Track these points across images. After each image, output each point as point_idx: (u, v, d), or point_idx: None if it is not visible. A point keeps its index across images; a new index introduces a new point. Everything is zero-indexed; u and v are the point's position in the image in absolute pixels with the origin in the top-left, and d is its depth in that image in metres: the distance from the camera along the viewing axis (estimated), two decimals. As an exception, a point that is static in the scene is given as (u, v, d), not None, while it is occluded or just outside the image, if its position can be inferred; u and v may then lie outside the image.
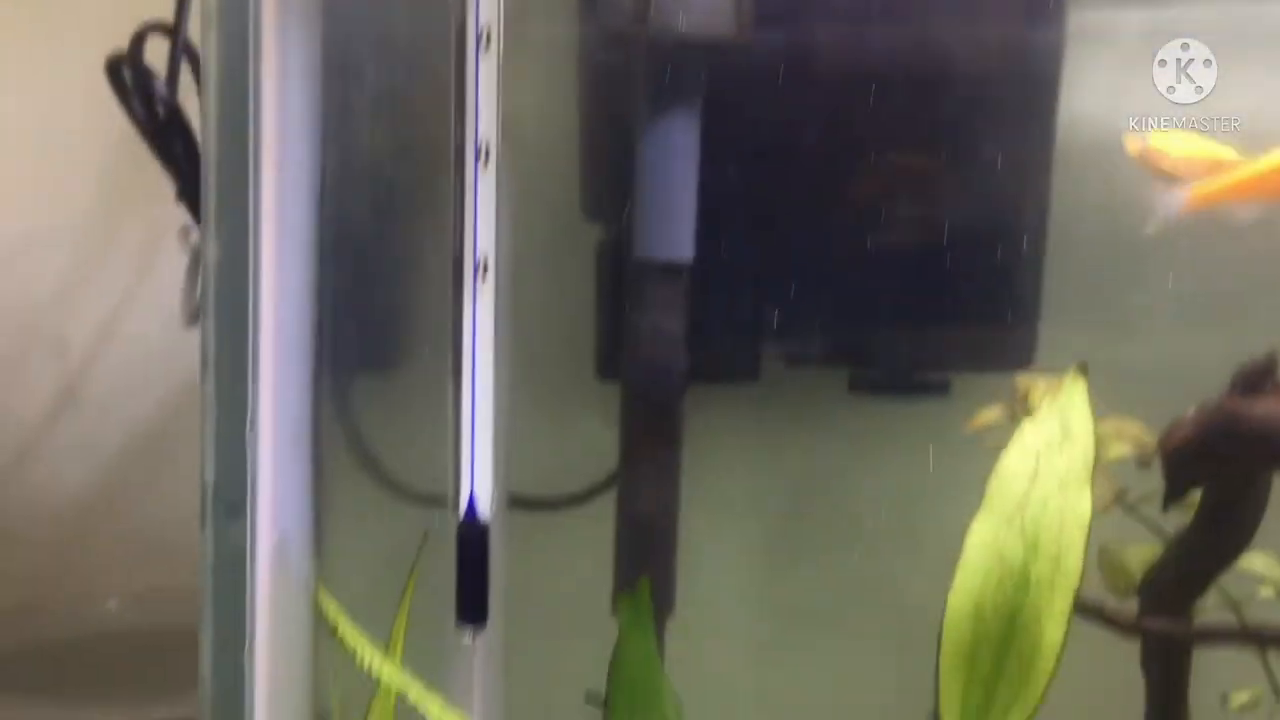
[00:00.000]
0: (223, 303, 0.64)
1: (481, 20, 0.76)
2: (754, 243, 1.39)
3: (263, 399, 0.64)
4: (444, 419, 0.97)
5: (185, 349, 1.07)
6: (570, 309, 1.43)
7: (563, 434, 1.43)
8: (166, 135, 1.54)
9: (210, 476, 0.65)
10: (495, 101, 0.79)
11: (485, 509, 0.73)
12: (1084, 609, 1.06)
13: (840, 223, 1.40)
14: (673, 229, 1.23)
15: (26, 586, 1.89)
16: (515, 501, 1.42)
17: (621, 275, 1.30)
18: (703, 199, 1.29)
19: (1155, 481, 1.21)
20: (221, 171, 0.67)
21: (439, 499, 1.06)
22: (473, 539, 0.73)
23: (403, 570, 0.94)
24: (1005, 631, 0.81)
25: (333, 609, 0.74)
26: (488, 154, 0.79)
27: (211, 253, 0.66)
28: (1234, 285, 1.38)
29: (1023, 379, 1.32)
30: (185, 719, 0.97)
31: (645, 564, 1.34)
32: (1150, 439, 1.23)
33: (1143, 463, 1.27)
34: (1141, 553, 1.22)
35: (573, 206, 1.42)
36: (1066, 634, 0.81)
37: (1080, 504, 0.83)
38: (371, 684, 0.78)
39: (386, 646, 0.84)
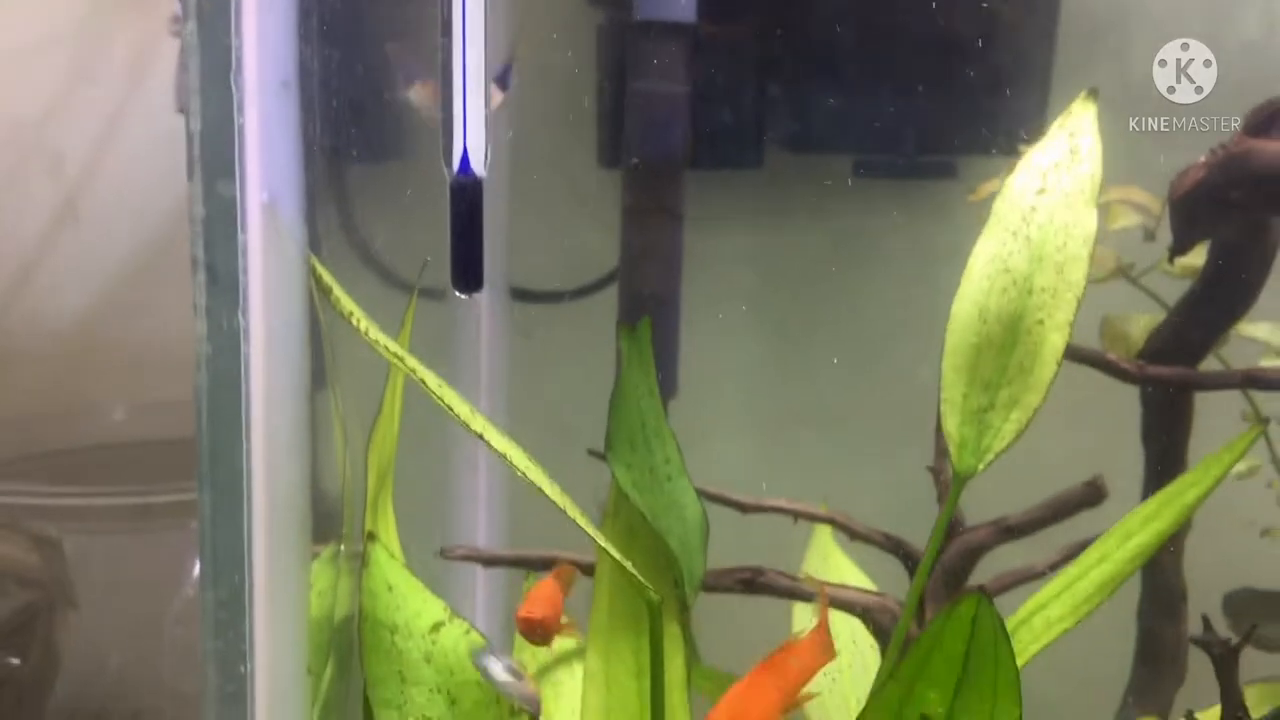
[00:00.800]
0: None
1: None
2: (758, 25, 1.36)
3: (246, 47, 0.61)
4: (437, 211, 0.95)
5: (182, 162, 1.05)
6: (573, 97, 1.40)
7: (567, 225, 1.42)
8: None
9: (196, 125, 0.64)
10: None
11: (479, 164, 0.71)
12: (1086, 357, 1.06)
13: (835, 16, 1.36)
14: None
15: (32, 398, 1.90)
16: (519, 294, 1.42)
17: (624, 51, 1.27)
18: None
19: (1160, 253, 1.20)
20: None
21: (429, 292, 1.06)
22: (466, 195, 0.71)
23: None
24: (1008, 336, 0.80)
25: (327, 276, 0.73)
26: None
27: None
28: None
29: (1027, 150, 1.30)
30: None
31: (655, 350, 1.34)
32: (1157, 206, 1.22)
33: (1148, 234, 1.26)
34: (1143, 321, 1.22)
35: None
36: (1068, 342, 0.80)
37: (1086, 219, 0.82)
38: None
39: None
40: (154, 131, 1.89)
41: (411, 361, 0.73)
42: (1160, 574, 1.24)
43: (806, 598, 1.04)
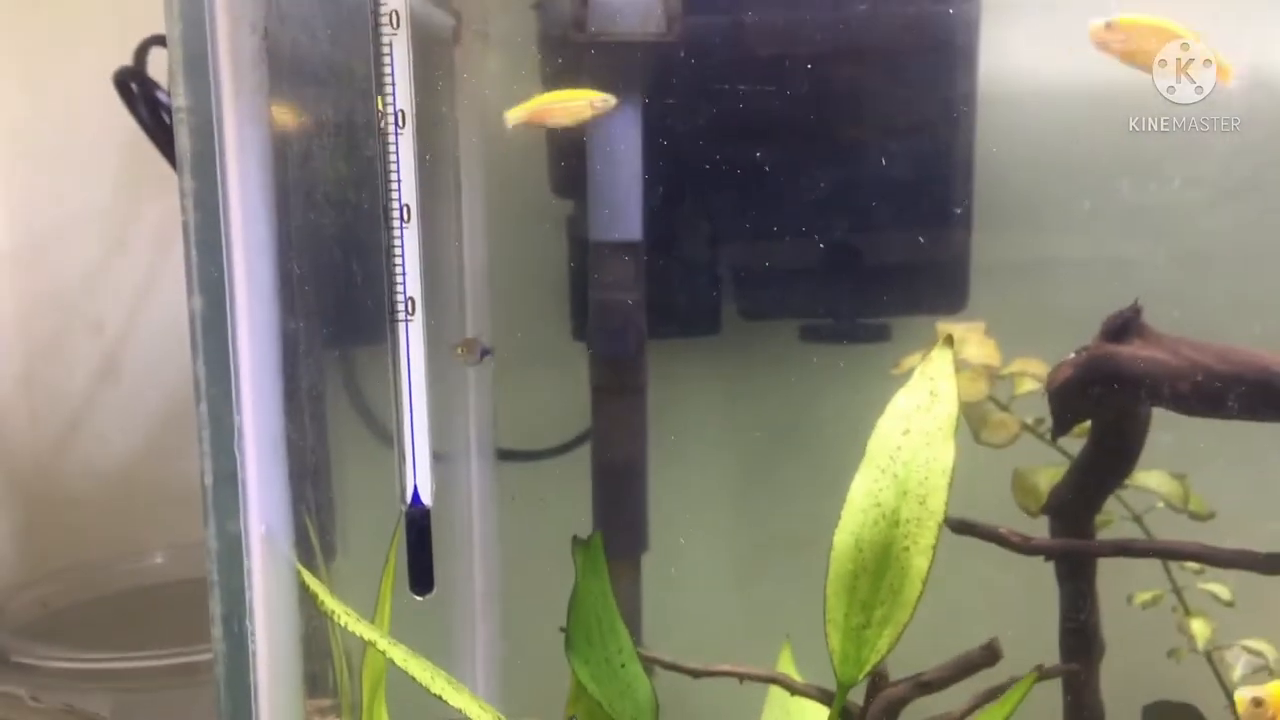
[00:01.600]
0: (210, 344, 0.80)
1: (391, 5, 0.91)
2: (707, 216, 1.54)
3: (246, 421, 0.80)
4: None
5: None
6: (547, 277, 1.58)
7: (545, 390, 1.60)
8: (171, 136, 1.71)
9: (209, 480, 0.83)
10: (408, 74, 0.94)
11: (426, 496, 0.89)
12: (978, 532, 1.23)
13: (783, 190, 1.54)
14: (622, 213, 1.38)
15: (83, 546, 2.10)
16: (503, 454, 1.61)
17: (583, 257, 1.46)
18: (655, 180, 1.44)
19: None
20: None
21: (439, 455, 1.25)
22: (418, 522, 0.90)
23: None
24: (880, 563, 0.97)
25: (314, 583, 0.91)
26: (404, 120, 0.94)
27: (197, 305, 0.83)
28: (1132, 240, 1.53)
29: (941, 326, 1.48)
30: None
31: (620, 506, 1.52)
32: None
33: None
34: (1050, 474, 1.38)
35: (543, 184, 1.57)
36: (931, 563, 0.97)
37: (944, 455, 0.98)
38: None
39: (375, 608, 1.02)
40: (181, 296, 2.10)
41: (395, 652, 0.91)
42: (1079, 694, 1.39)
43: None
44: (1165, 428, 1.29)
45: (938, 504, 0.98)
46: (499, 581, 1.56)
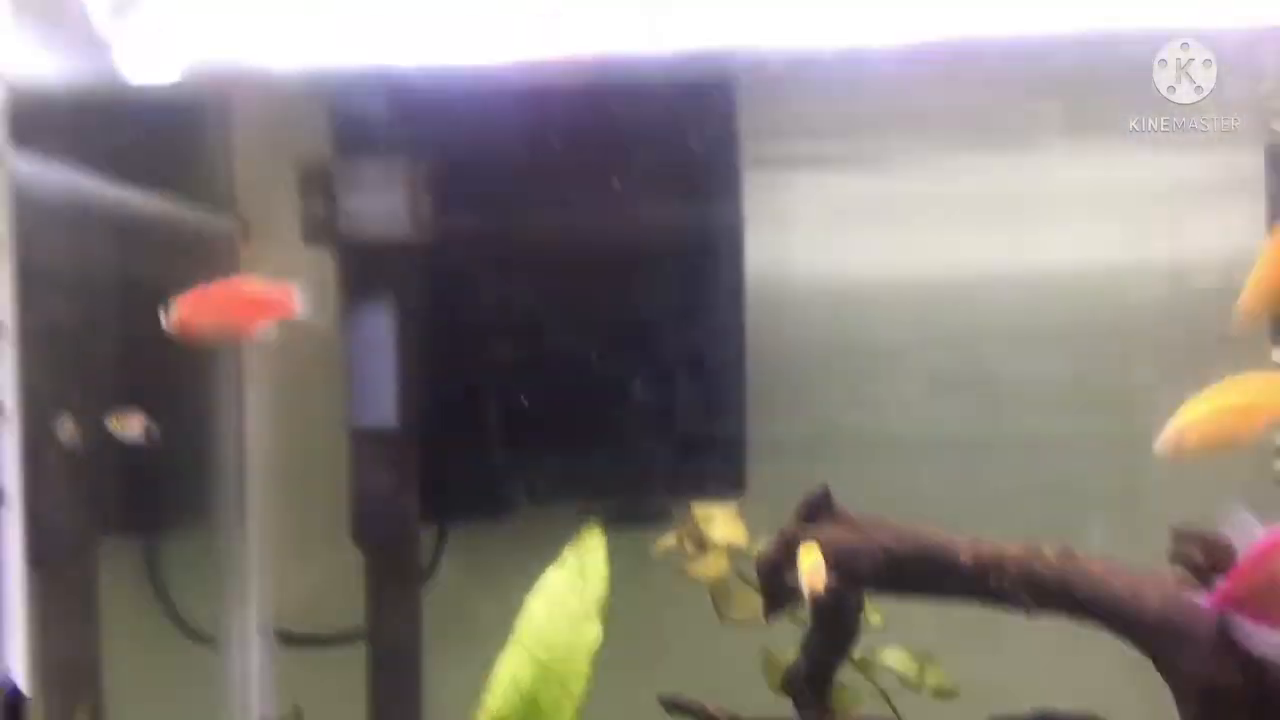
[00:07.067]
0: None
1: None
2: (480, 404, 1.59)
3: None
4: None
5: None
6: (330, 479, 1.62)
7: (327, 584, 1.63)
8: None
9: None
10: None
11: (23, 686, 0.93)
12: (693, 710, 1.24)
13: (556, 379, 1.60)
14: (376, 400, 1.44)
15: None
16: (288, 638, 1.63)
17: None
18: (416, 370, 1.50)
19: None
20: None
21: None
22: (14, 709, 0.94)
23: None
24: (516, 751, 0.99)
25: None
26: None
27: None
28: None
29: (696, 507, 1.51)
30: None
31: (395, 697, 1.54)
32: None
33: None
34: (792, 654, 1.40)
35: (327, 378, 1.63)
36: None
37: (589, 635, 1.01)
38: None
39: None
40: None
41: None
42: None
43: None
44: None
45: (579, 687, 1.00)
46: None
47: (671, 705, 1.21)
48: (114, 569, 1.56)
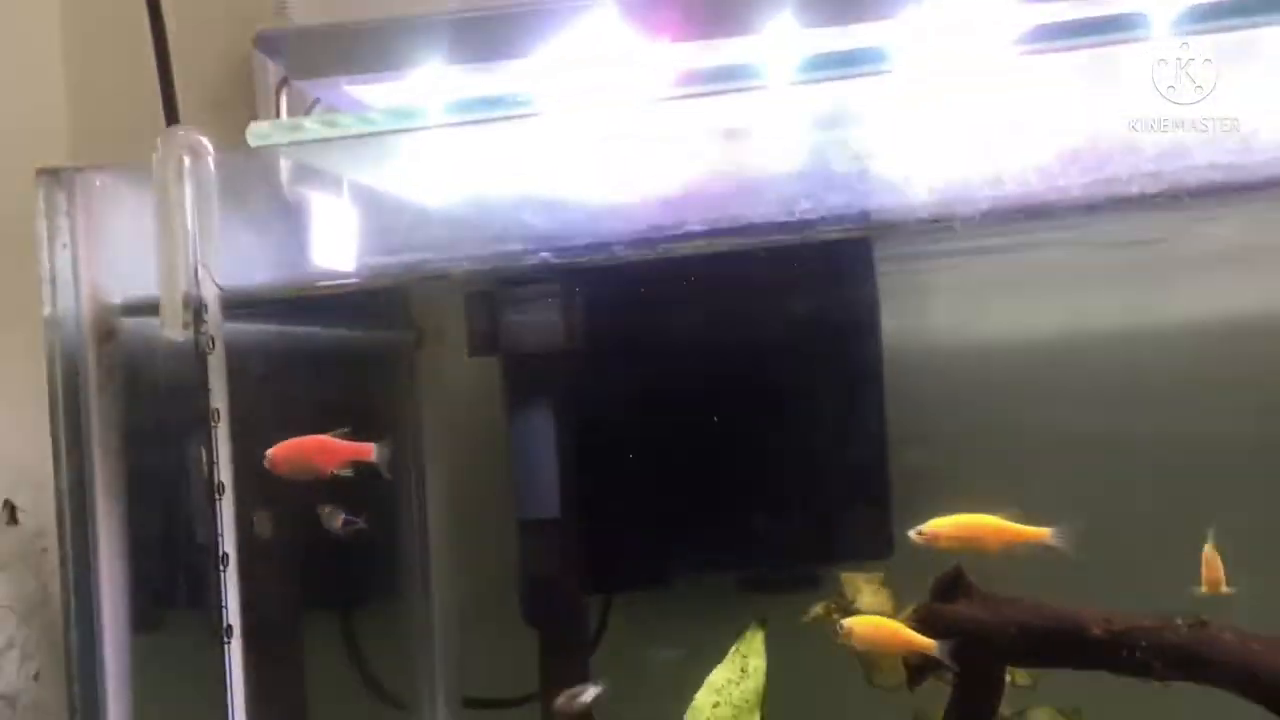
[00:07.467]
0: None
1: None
2: (637, 487, 1.71)
3: None
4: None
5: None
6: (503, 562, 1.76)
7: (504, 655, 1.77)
8: None
9: None
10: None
11: None
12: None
13: (703, 460, 1.72)
14: (538, 492, 1.59)
15: None
16: (470, 702, 1.78)
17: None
18: (575, 464, 1.64)
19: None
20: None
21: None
22: None
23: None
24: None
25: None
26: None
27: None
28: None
29: (845, 577, 1.60)
30: None
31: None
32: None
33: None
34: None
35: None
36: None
37: (750, 721, 1.12)
38: None
39: None
40: None
41: None
42: None
43: None
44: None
45: (748, 767, 1.11)
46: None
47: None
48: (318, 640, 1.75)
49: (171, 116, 1.29)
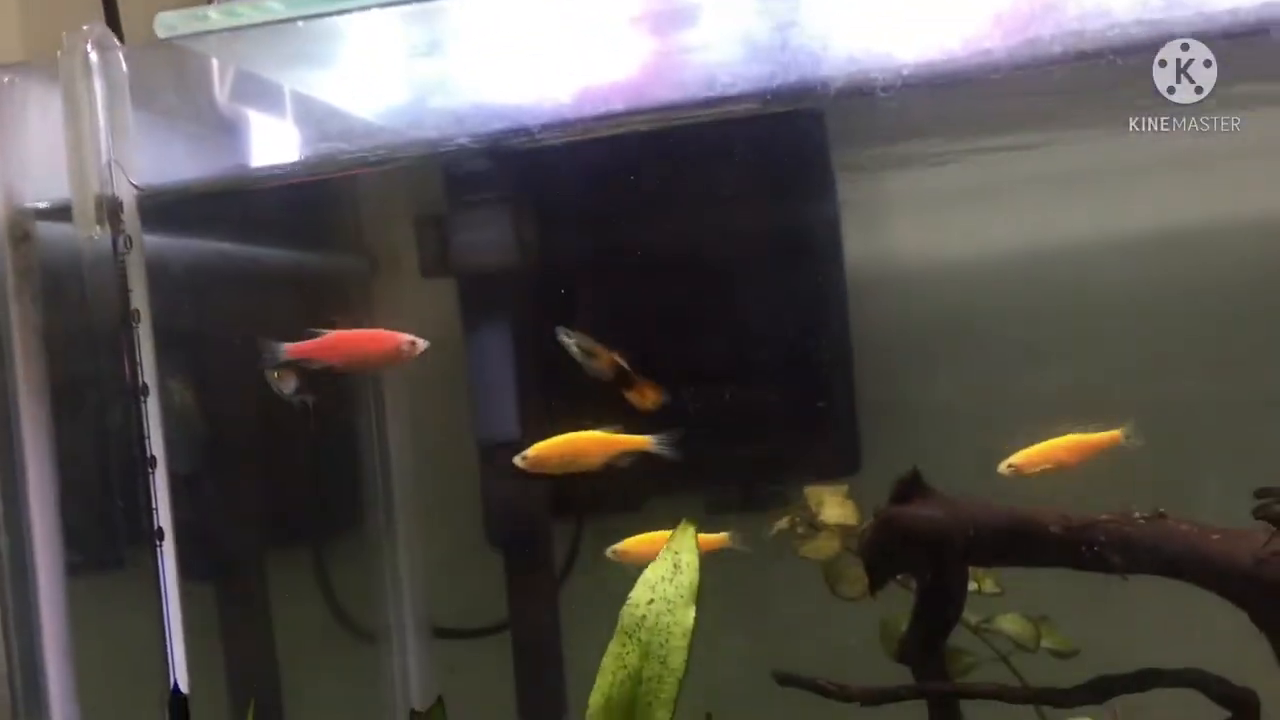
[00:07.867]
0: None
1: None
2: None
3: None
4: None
5: None
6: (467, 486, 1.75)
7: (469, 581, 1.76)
8: None
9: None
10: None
11: (184, 684, 1.07)
12: (803, 684, 1.31)
13: (668, 381, 1.69)
14: (498, 413, 1.56)
15: None
16: (440, 632, 1.77)
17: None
18: (539, 381, 1.61)
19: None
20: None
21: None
22: (178, 705, 1.08)
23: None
24: (626, 717, 1.08)
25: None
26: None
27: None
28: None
29: (809, 490, 1.58)
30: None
31: (538, 682, 1.66)
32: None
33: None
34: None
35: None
36: (673, 715, 1.08)
37: (684, 618, 1.10)
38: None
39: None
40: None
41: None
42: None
43: None
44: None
45: (678, 662, 1.09)
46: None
47: (785, 679, 1.28)
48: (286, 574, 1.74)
49: (112, 15, 1.26)
